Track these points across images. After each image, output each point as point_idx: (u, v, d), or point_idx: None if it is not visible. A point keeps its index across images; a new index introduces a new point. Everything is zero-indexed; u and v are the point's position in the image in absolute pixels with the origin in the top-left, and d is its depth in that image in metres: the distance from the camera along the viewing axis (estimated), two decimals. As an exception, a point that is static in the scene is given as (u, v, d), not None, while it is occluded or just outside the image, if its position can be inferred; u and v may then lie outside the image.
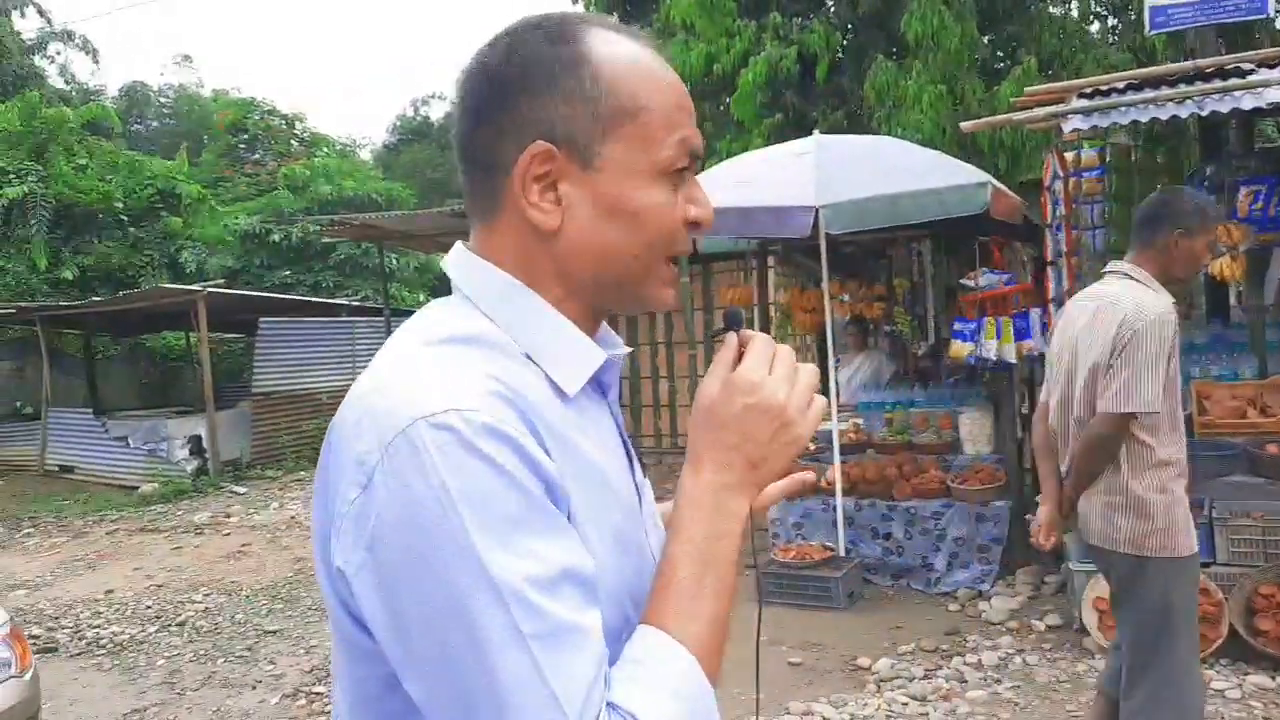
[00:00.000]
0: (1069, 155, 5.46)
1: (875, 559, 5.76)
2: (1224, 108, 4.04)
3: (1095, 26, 10.93)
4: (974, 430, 5.73)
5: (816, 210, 4.84)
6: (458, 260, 0.85)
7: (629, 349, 0.97)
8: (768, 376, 0.83)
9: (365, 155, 39.01)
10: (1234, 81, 4.16)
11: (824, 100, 11.39)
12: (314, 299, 14.17)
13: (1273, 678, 3.84)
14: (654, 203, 0.81)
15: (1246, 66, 4.45)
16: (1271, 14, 5.35)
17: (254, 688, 4.87)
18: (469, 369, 0.75)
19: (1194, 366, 5.11)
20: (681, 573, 0.79)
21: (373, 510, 0.70)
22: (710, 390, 0.84)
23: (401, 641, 0.70)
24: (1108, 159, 5.60)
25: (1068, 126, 4.26)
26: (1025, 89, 5.63)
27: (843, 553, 5.62)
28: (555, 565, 0.70)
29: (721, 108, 12.23)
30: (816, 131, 5.90)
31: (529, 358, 0.80)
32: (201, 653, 5.45)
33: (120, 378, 16.19)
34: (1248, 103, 3.99)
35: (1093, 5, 10.78)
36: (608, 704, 0.70)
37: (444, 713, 0.70)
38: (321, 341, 12.93)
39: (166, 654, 5.47)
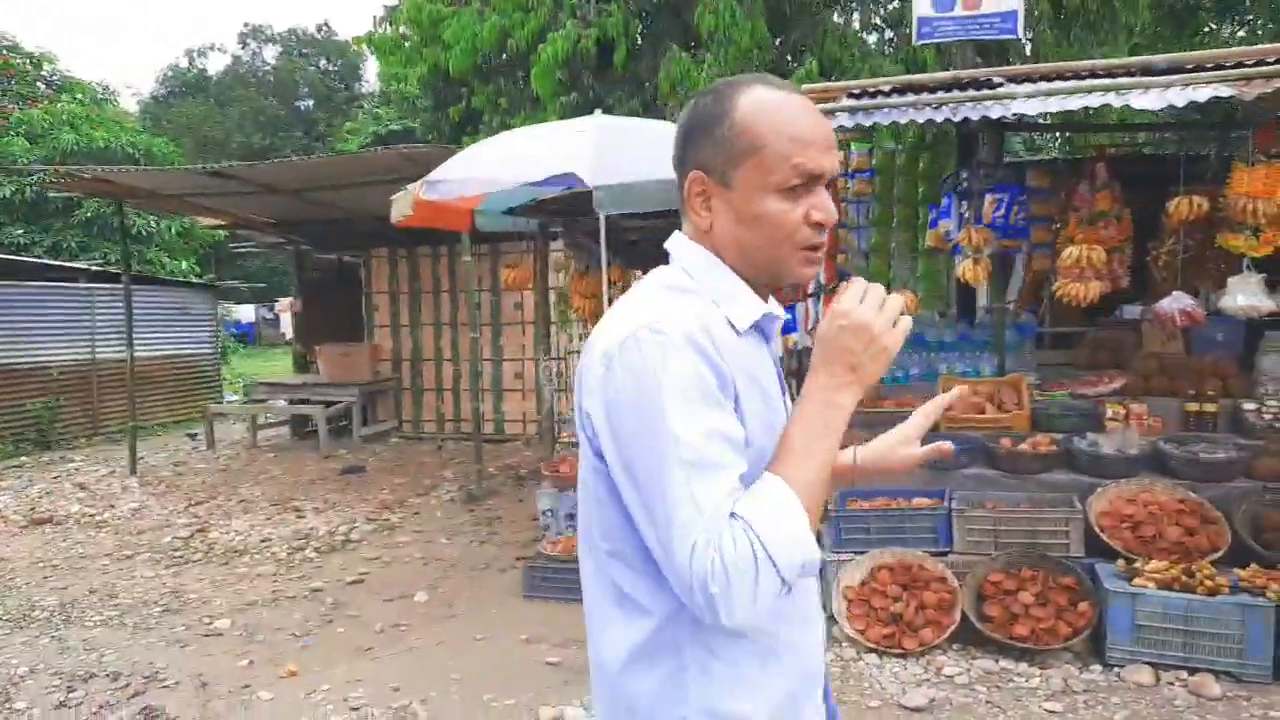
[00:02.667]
0: (842, 155, 5.58)
1: (645, 550, 5.68)
2: (974, 115, 4.22)
3: (873, 38, 11.50)
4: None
5: (591, 191, 4.63)
6: (676, 239, 1.26)
7: (787, 316, 1.38)
8: (858, 305, 1.15)
9: (131, 106, 35.29)
10: (985, 92, 4.36)
11: (621, 86, 11.31)
12: (44, 261, 12.43)
13: (997, 661, 4.05)
14: (772, 210, 1.17)
15: (998, 80, 4.69)
16: (1021, 36, 5.70)
17: (-92, 719, 4.06)
18: (678, 304, 1.14)
19: (941, 364, 5.39)
20: (795, 440, 1.12)
21: (611, 381, 1.12)
22: (822, 323, 1.18)
23: (622, 462, 1.12)
24: (875, 161, 5.78)
25: (834, 123, 4.30)
26: (802, 88, 5.70)
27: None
28: (712, 426, 1.07)
29: (518, 83, 11.90)
30: (598, 112, 5.69)
31: (715, 304, 1.18)
32: None
33: None
34: (995, 111, 4.19)
35: (872, 18, 11.36)
36: (733, 514, 1.05)
37: (639, 504, 1.10)
38: (53, 310, 11.33)
39: None
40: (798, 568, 1.07)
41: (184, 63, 38.78)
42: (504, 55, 11.66)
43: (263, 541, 6.72)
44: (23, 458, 10.38)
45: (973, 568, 4.32)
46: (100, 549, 6.73)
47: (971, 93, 4.46)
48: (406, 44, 12.63)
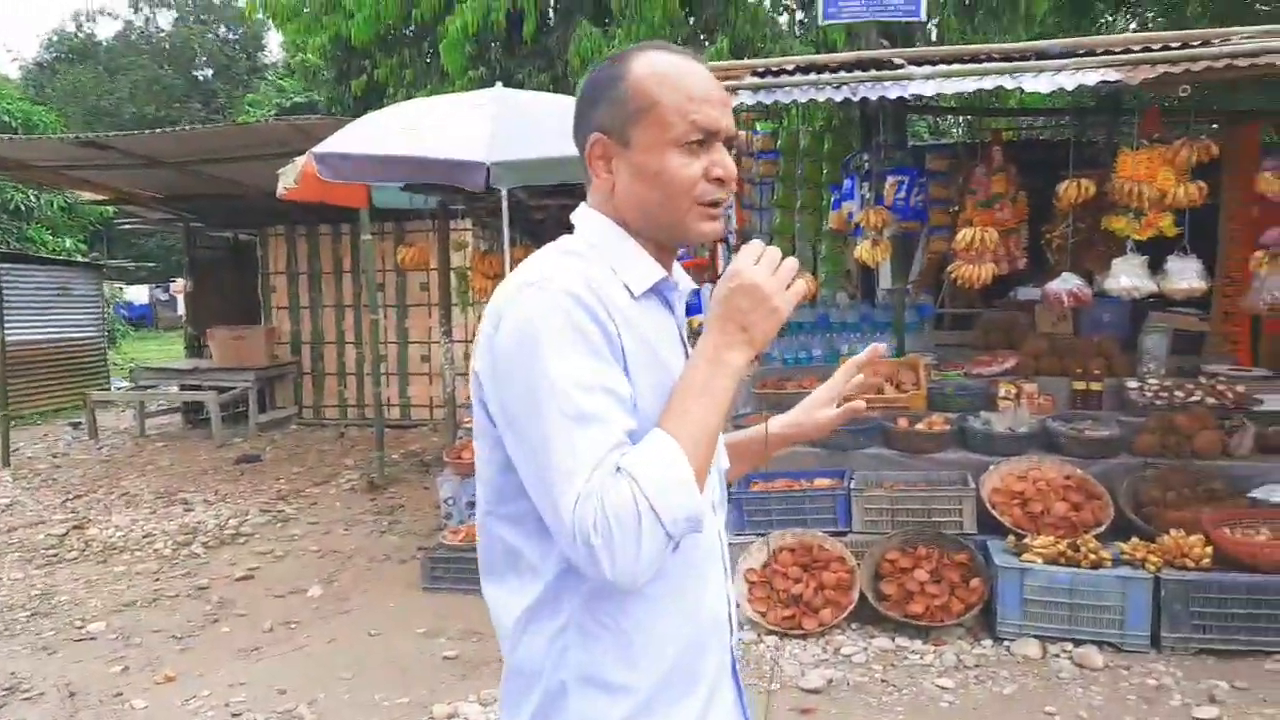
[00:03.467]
0: (744, 135, 5.54)
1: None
2: (874, 95, 4.22)
3: (784, 19, 11.53)
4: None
5: (488, 167, 4.47)
6: (579, 210, 1.27)
7: (695, 287, 1.37)
8: (751, 265, 1.15)
9: (14, 73, 33.07)
10: (885, 73, 4.35)
11: (531, 61, 11.06)
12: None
13: (893, 639, 4.09)
14: (671, 165, 1.18)
15: (898, 61, 4.70)
16: (924, 18, 5.74)
17: None
18: (568, 264, 1.15)
19: (843, 344, 5.42)
20: (681, 395, 1.13)
21: (497, 337, 1.13)
22: (718, 283, 1.18)
23: (507, 418, 1.13)
24: (779, 143, 5.76)
25: (736, 101, 4.24)
26: (708, 65, 5.63)
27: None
28: (594, 379, 1.08)
29: (425, 55, 11.51)
30: (499, 85, 5.50)
31: (613, 269, 1.19)
32: None
33: None
34: (893, 91, 4.19)
35: (782, -1, 11.37)
36: (617, 467, 1.05)
37: (525, 461, 1.11)
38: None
39: None
40: (682, 520, 1.05)
41: (71, 27, 36.52)
42: (409, 26, 11.26)
43: (145, 537, 6.36)
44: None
45: (870, 547, 4.36)
46: (-34, 548, 6.27)
47: (873, 73, 4.45)
48: (306, 10, 12.07)
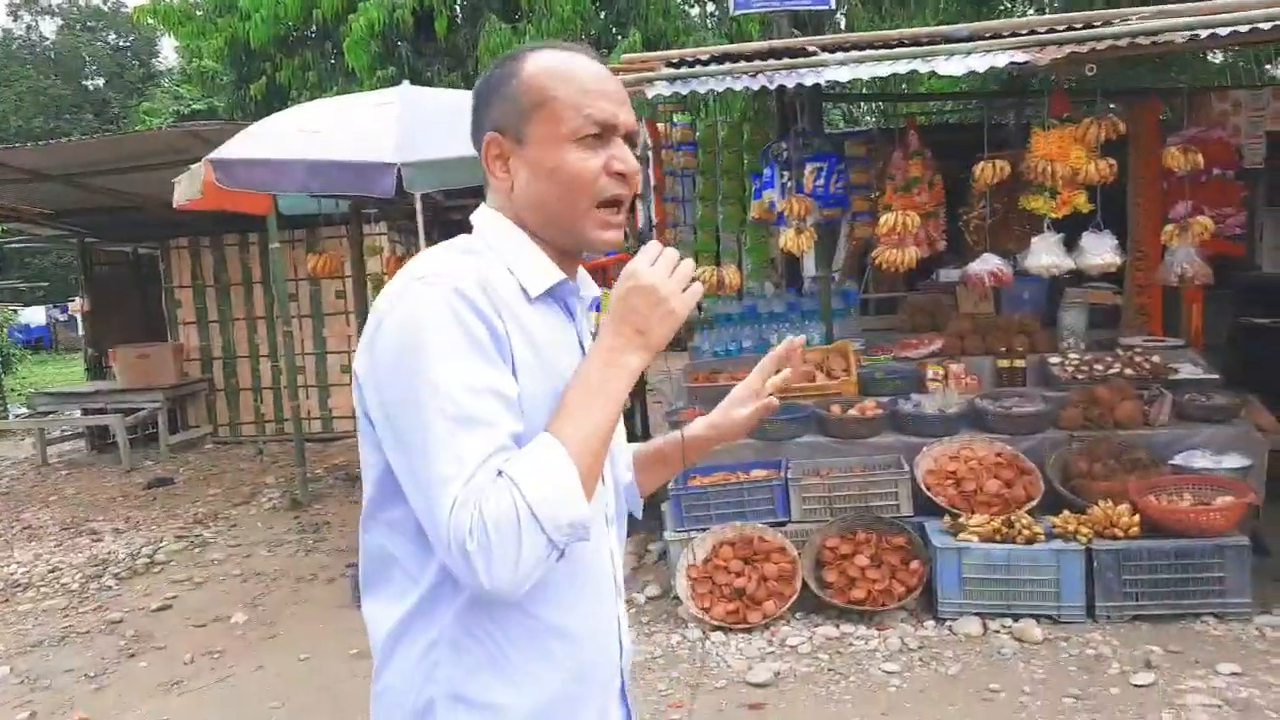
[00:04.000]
0: (662, 127, 5.47)
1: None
2: (789, 82, 4.19)
3: (695, 11, 11.54)
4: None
5: (399, 169, 4.29)
6: (478, 211, 1.23)
7: (599, 293, 1.31)
8: (647, 267, 1.14)
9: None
10: (800, 60, 4.33)
11: (440, 58, 10.83)
12: None
13: (837, 626, 4.08)
14: (569, 160, 1.14)
15: (811, 49, 4.68)
16: (833, 6, 5.75)
17: None
18: (460, 261, 1.11)
19: (773, 334, 5.40)
20: (573, 398, 1.10)
21: (379, 337, 1.07)
22: (615, 285, 1.17)
23: (387, 418, 1.07)
24: (697, 135, 5.71)
25: (651, 92, 4.17)
26: (622, 58, 5.54)
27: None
28: (479, 380, 1.03)
29: (329, 56, 11.16)
30: (406, 83, 5.31)
31: (509, 270, 1.15)
32: None
33: None
34: (809, 79, 4.17)
35: (694, -10, 11.37)
36: (499, 471, 1.00)
37: (404, 464, 1.05)
38: None
39: None
40: (565, 527, 1.01)
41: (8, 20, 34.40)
42: (311, 26, 10.90)
43: (51, 572, 5.97)
44: None
45: (810, 535, 4.34)
46: None
47: (787, 61, 4.42)
48: (199, 13, 11.57)
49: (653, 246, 1.17)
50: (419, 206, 4.94)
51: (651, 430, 6.81)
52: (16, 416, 11.72)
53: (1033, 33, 4.49)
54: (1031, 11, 13.51)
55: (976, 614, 3.99)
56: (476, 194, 4.68)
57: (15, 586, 5.78)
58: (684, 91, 4.21)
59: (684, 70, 4.33)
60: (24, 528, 7.19)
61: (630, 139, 1.20)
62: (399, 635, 1.14)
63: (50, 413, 10.03)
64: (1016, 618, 3.95)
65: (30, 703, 4.10)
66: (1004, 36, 4.51)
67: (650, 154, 4.97)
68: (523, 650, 1.13)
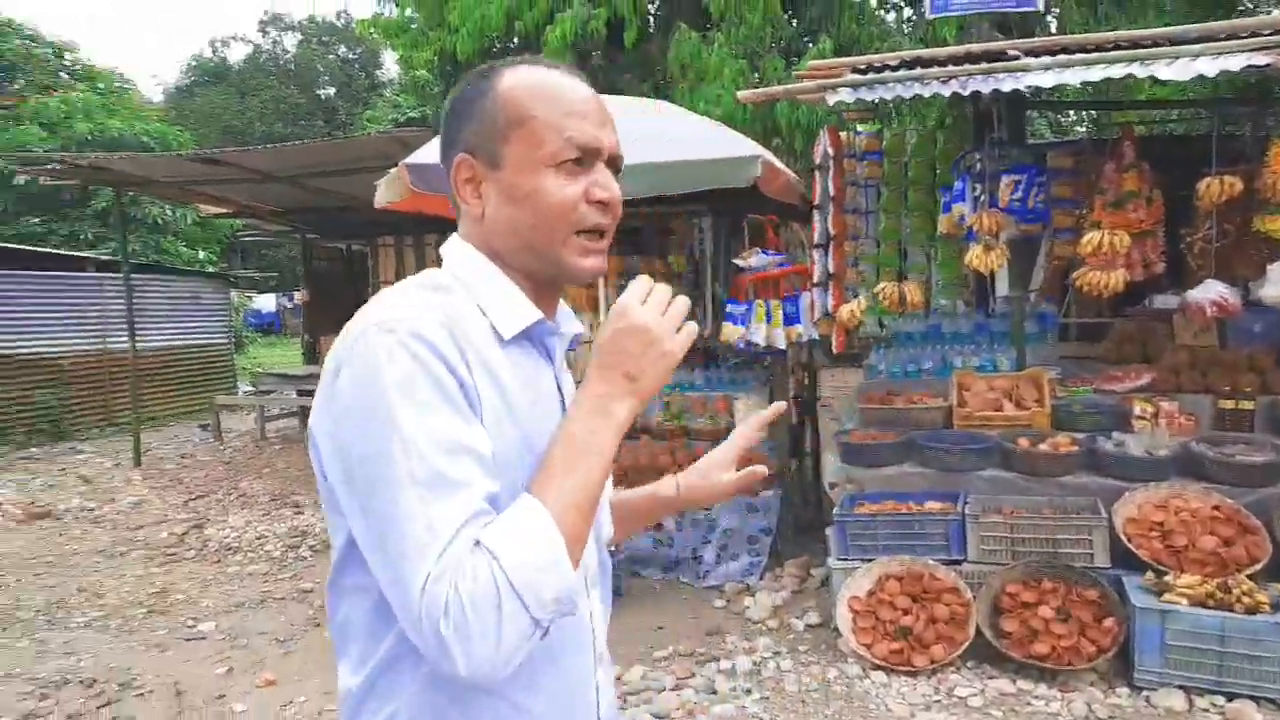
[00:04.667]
0: (845, 136, 5.27)
1: (645, 551, 5.45)
2: (985, 88, 3.90)
3: (891, 16, 11.10)
4: (748, 416, 5.47)
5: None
6: (448, 242, 1.14)
7: (582, 330, 1.19)
8: (638, 305, 1.04)
9: (156, 96, 35.36)
10: (998, 65, 4.03)
11: (631, 69, 11.01)
12: (49, 250, 12.33)
13: (1014, 682, 3.76)
14: (546, 186, 1.05)
15: (1013, 53, 4.35)
16: (1041, 7, 5.34)
17: (-127, 731, 3.92)
18: (423, 302, 1.00)
19: (958, 357, 5.08)
20: (557, 455, 0.99)
21: (337, 389, 0.97)
22: (602, 326, 1.06)
23: (348, 482, 0.96)
24: (885, 143, 5.46)
25: (833, 99, 4.01)
26: (809, 64, 5.39)
27: (610, 546, 5.26)
28: (450, 436, 0.93)
29: (528, 67, 11.63)
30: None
31: (480, 309, 1.05)
32: None
33: None
34: (1007, 84, 3.87)
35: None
36: (476, 541, 0.90)
37: (365, 531, 0.95)
38: (62, 300, 11.25)
39: None
40: (550, 603, 0.91)
41: (207, 52, 38.85)
42: (513, 38, 11.40)
43: (258, 539, 6.56)
44: (33, 449, 10.32)
45: (988, 578, 4.03)
46: (95, 545, 6.61)
47: (984, 65, 4.13)
48: (413, 26, 12.39)
49: (642, 282, 1.07)
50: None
51: (823, 449, 6.59)
52: (244, 393, 13.02)
53: (1276, 33, 3.96)
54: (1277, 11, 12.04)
55: (1180, 687, 3.54)
56: (655, 203, 4.67)
57: (227, 549, 6.38)
58: (869, 98, 4.02)
59: (870, 76, 4.14)
60: (239, 495, 7.94)
61: (614, 164, 1.10)
62: (357, 706, 1.06)
63: (270, 392, 11.06)
64: (1230, 697, 3.47)
65: (229, 659, 4.49)
66: (1242, 37, 4.00)
67: (831, 163, 4.79)
68: None
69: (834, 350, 5.12)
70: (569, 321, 1.19)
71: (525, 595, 0.89)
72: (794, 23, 10.79)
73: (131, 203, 14.98)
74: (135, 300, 10.01)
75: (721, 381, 5.99)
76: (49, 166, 8.54)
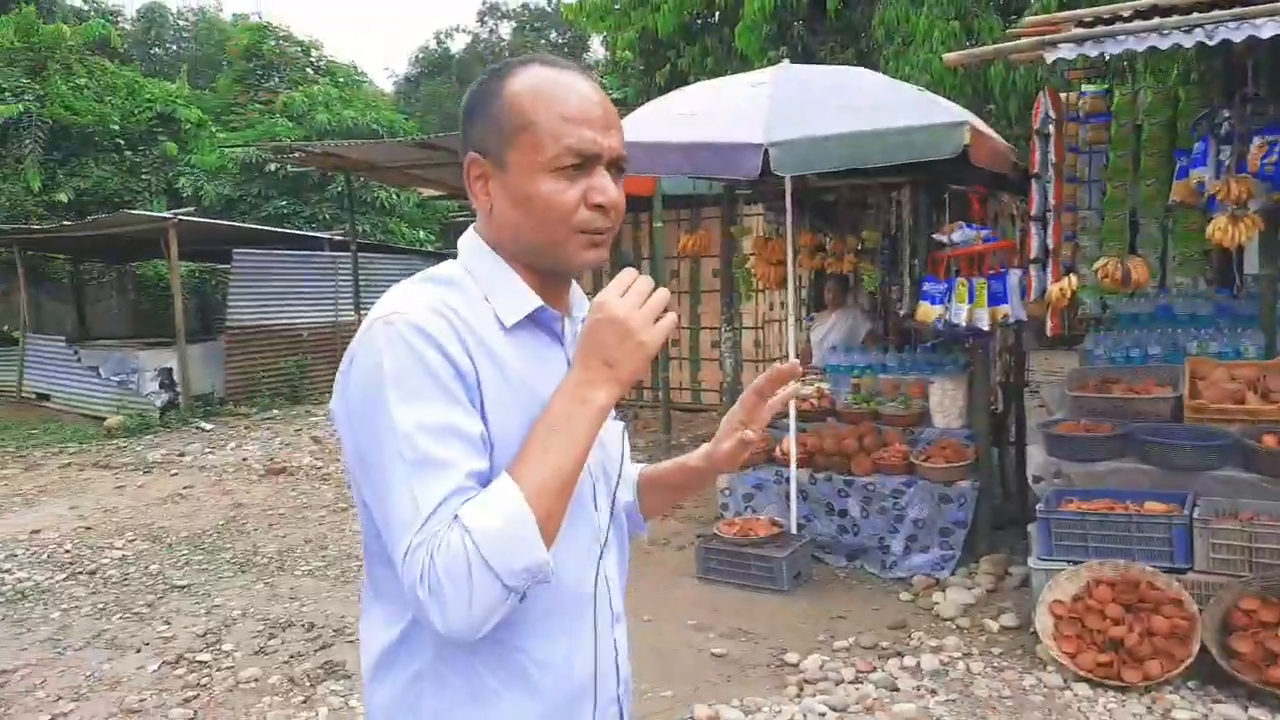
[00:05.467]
0: (1067, 97, 4.79)
1: (829, 537, 5.28)
2: (1237, 36, 3.37)
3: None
4: (944, 401, 5.17)
5: (766, 149, 4.24)
6: (463, 235, 1.22)
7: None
8: (617, 297, 1.10)
9: (388, 87, 38.22)
10: (1255, 8, 3.49)
11: (834, 36, 10.60)
12: (292, 231, 13.66)
13: (1245, 709, 3.32)
14: (545, 190, 1.11)
15: (1275, -7, 3.75)
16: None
17: (139, 650, 4.52)
18: (426, 295, 1.10)
19: (1192, 342, 4.51)
20: (535, 436, 1.07)
21: (349, 375, 1.09)
22: (586, 316, 1.13)
23: (359, 461, 1.09)
24: (1113, 104, 4.90)
25: (1052, 56, 3.63)
26: (1025, 21, 4.93)
27: (794, 529, 5.15)
28: (439, 421, 1.03)
29: (725, 41, 11.48)
30: (786, 62, 5.23)
31: (486, 298, 1.14)
32: (100, 606, 5.11)
33: (112, 305, 15.95)
34: (1267, 30, 3.32)
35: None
36: (455, 516, 1.00)
37: (373, 505, 1.07)
38: (302, 275, 12.46)
39: (64, 605, 5.14)
40: (520, 571, 1.00)
41: (433, 44, 41.48)
42: (713, 12, 11.29)
43: (461, 502, 6.96)
44: (275, 410, 11.53)
45: (1218, 592, 3.57)
46: (321, 500, 7.29)
47: (1238, 10, 3.59)
48: (617, 7, 12.56)
49: (625, 275, 1.12)
50: (789, 187, 4.87)
51: (1027, 436, 6.10)
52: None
53: None
54: None
55: None
56: (848, 175, 4.48)
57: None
58: (1093, 54, 3.59)
59: (1096, 29, 3.71)
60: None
61: (617, 165, 1.14)
62: (387, 663, 1.15)
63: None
64: None
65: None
66: None
67: (1053, 128, 4.36)
68: (504, 681, 1.13)
69: (1049, 333, 4.68)
70: (582, 306, 1.24)
71: (495, 565, 0.98)
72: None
73: (362, 187, 16.38)
74: (361, 276, 10.91)
75: (916, 364, 5.67)
76: (293, 155, 9.42)
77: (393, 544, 1.02)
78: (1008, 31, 6.00)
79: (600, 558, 1.20)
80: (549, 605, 1.12)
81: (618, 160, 1.14)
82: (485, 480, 1.04)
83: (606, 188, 1.13)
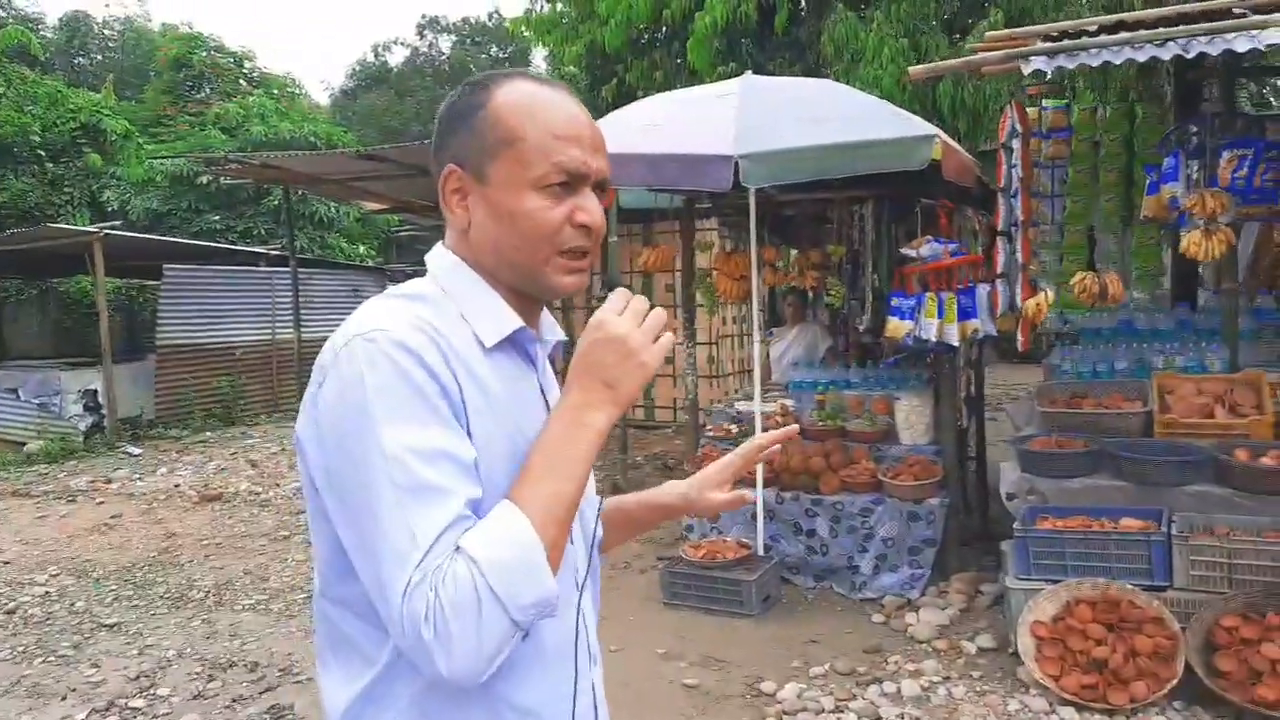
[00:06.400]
0: (1032, 112, 4.79)
1: (796, 558, 5.16)
2: (1214, 49, 3.38)
3: (1071, -18, 10.21)
4: (911, 418, 5.10)
5: (736, 161, 4.12)
6: (432, 250, 1.16)
7: (564, 338, 1.22)
8: (615, 317, 1.06)
9: (323, 100, 37.50)
10: (1226, 22, 3.50)
11: (782, 52, 10.64)
12: (226, 246, 13.17)
13: (1231, 728, 3.27)
14: (530, 208, 1.06)
15: (1238, 10, 3.79)
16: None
17: (64, 698, 4.17)
18: (404, 311, 1.02)
19: (1157, 356, 4.52)
20: (536, 461, 1.01)
21: (321, 398, 0.99)
22: (582, 336, 1.08)
23: (332, 490, 0.98)
24: (1073, 119, 4.92)
25: (1028, 68, 3.59)
26: (986, 35, 4.93)
27: (761, 551, 5.02)
28: (432, 444, 0.94)
29: (675, 56, 11.45)
30: (748, 73, 5.14)
31: (463, 317, 1.06)
32: (20, 649, 4.72)
33: (32, 324, 15.15)
34: (1241, 44, 3.33)
35: (1069, -40, 10.08)
36: (457, 547, 0.92)
37: (352, 542, 0.97)
38: (236, 292, 11.98)
39: (-21, 650, 4.74)
40: (529, 605, 0.93)
41: (370, 56, 40.84)
42: (661, 27, 11.25)
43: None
44: (208, 433, 11.03)
45: (1200, 609, 3.53)
46: (261, 528, 6.92)
47: (1205, 25, 3.60)
48: (564, 21, 12.45)
49: (620, 295, 1.09)
50: (752, 201, 4.76)
51: (989, 453, 6.10)
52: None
53: None
54: None
55: None
56: (810, 188, 4.38)
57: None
58: (1070, 65, 3.56)
59: (1069, 42, 3.68)
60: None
61: (601, 186, 1.10)
62: (355, 712, 1.05)
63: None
64: None
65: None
66: None
67: (1018, 143, 4.34)
68: None
69: (1020, 348, 4.65)
70: (552, 329, 1.20)
71: (505, 599, 0.91)
72: (957, -2, 10.12)
73: (300, 200, 15.90)
74: (301, 293, 10.51)
75: (880, 380, 5.61)
76: (228, 166, 9.05)
77: (383, 580, 0.92)
78: (968, 47, 6.04)
79: (580, 597, 1.13)
80: (531, 648, 1.04)
81: (602, 183, 1.10)
82: (479, 510, 0.96)
83: (592, 207, 1.09)
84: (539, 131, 1.06)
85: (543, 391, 1.16)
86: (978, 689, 3.76)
